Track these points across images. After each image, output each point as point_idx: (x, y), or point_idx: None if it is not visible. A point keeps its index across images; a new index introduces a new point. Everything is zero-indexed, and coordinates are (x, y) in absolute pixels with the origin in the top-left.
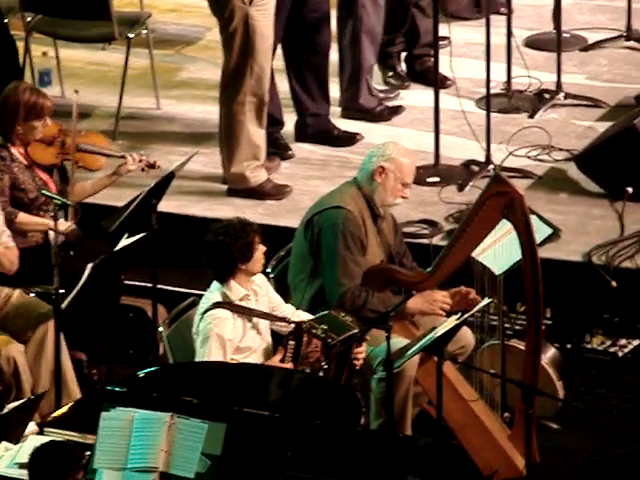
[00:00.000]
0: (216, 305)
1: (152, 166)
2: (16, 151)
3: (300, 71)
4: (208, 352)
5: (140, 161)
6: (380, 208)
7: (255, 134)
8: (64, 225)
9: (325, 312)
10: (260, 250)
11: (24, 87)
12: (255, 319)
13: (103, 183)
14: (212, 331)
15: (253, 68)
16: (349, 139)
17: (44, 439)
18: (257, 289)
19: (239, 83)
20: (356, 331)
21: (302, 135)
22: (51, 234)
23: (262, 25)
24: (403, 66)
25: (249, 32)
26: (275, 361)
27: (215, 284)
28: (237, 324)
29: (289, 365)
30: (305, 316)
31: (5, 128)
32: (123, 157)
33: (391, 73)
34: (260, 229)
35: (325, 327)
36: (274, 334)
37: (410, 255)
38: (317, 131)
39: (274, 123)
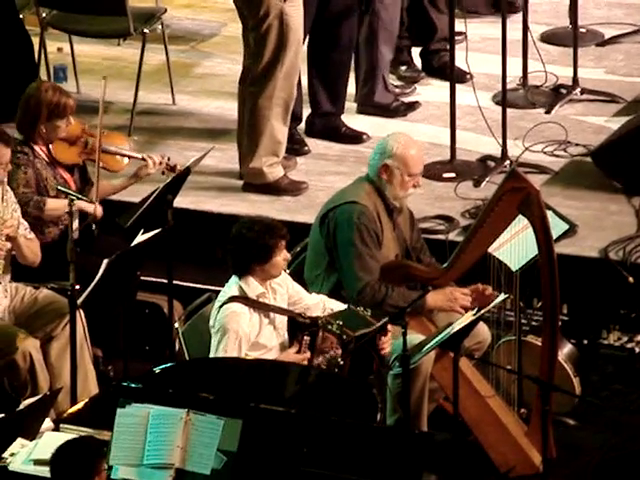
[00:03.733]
0: (232, 299)
1: (172, 169)
2: (38, 149)
3: (321, 68)
4: (224, 346)
5: (161, 164)
6: (394, 202)
7: (278, 130)
8: (91, 207)
9: (344, 307)
10: (282, 255)
11: (46, 86)
12: (272, 315)
13: (122, 185)
14: (228, 325)
15: (284, 63)
16: (356, 138)
17: (60, 435)
18: (277, 287)
19: (269, 78)
20: (373, 328)
21: (310, 131)
22: (75, 224)
23: (295, 20)
24: (415, 59)
25: (283, 28)
26: (290, 354)
27: (233, 278)
28: (253, 319)
29: (307, 355)
30: (332, 302)
31: (28, 128)
32: (144, 159)
33: (403, 68)
34: (288, 234)
35: (340, 323)
36: (292, 325)
37: (428, 251)
38: (325, 128)
39: (293, 119)
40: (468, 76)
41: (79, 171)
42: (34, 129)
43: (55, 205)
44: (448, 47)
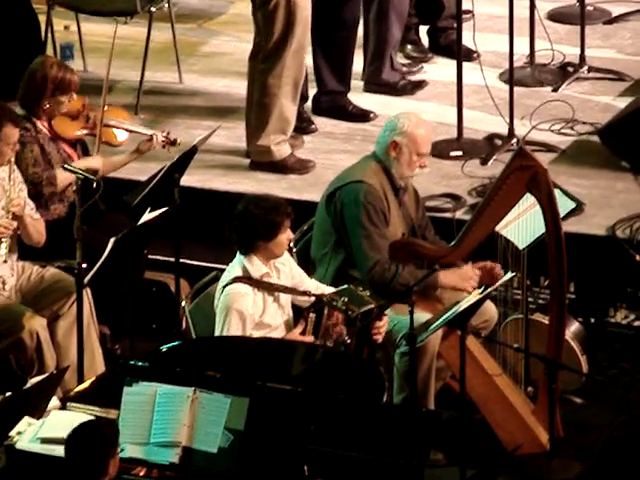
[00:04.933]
0: (236, 280)
1: (173, 143)
2: (40, 124)
3: (326, 46)
4: (227, 327)
5: (164, 139)
6: (400, 181)
7: (287, 108)
8: (97, 161)
9: (344, 286)
10: (286, 234)
11: (51, 62)
12: (276, 293)
13: (125, 160)
14: (231, 306)
15: (292, 41)
16: (363, 116)
17: (67, 414)
18: (280, 266)
19: (278, 56)
20: (377, 305)
21: (316, 109)
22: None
23: None
24: (422, 38)
25: (291, 6)
26: (296, 333)
27: (237, 258)
28: (257, 299)
29: (310, 338)
30: (328, 291)
31: (31, 102)
32: (150, 139)
33: (411, 46)
34: (293, 213)
35: (346, 299)
36: (295, 308)
37: (432, 228)
38: (331, 106)
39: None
40: (475, 54)
41: (81, 146)
42: (38, 104)
43: (64, 175)
44: (455, 25)
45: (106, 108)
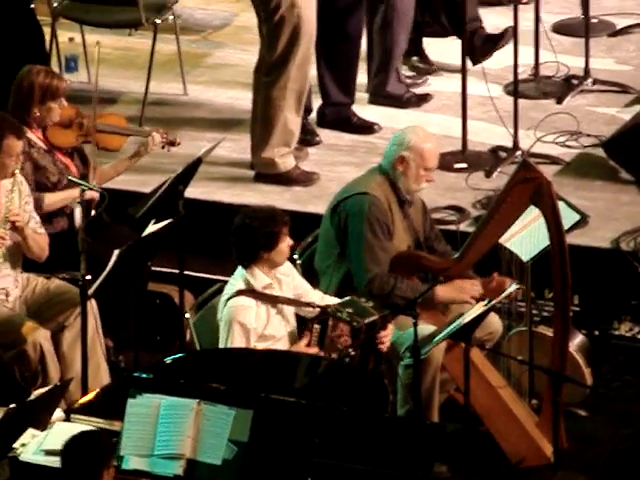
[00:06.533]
0: (239, 293)
1: (172, 143)
2: (34, 136)
3: (330, 58)
4: (231, 340)
5: (163, 140)
6: (406, 195)
7: (291, 121)
8: (90, 194)
9: (347, 298)
10: (286, 242)
11: (37, 70)
12: (280, 305)
13: (125, 165)
14: (234, 319)
15: (297, 54)
16: (367, 128)
17: (71, 426)
18: (282, 277)
19: (283, 69)
20: (381, 316)
21: (321, 121)
22: (77, 218)
23: (307, 12)
24: (427, 50)
25: (295, 19)
26: (301, 346)
27: (239, 270)
28: (260, 311)
29: (315, 350)
30: (332, 302)
31: (22, 112)
32: (147, 137)
33: (416, 58)
34: (290, 221)
35: (350, 311)
36: (300, 318)
37: (443, 239)
38: (336, 118)
39: (303, 110)
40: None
41: (79, 155)
42: (28, 113)
43: (53, 200)
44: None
45: (99, 114)
